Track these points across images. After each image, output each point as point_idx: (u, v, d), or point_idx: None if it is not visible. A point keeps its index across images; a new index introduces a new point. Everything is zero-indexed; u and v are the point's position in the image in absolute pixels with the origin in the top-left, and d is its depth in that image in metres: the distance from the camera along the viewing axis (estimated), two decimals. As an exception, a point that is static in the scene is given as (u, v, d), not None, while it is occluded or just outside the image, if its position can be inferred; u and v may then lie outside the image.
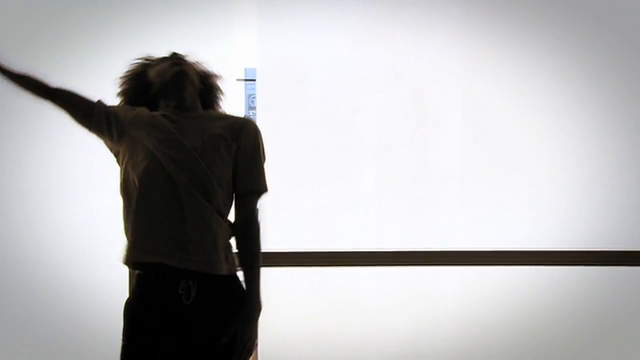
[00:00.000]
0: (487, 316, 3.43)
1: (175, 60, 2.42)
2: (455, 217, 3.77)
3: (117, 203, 3.67)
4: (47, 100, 2.36)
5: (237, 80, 3.91)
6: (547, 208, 3.70)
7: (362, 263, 3.30)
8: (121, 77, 2.53)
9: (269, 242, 3.72)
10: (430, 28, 3.79)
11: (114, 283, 3.39)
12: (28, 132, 3.59)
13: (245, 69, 4.85)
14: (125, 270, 2.97)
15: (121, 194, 2.33)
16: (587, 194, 3.69)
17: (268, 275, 3.76)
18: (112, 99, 2.48)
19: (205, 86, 2.47)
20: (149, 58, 2.52)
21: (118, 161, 2.38)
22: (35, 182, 3.57)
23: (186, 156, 2.22)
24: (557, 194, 3.60)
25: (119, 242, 3.54)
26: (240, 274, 2.32)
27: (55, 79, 3.56)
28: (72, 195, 3.62)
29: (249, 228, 2.34)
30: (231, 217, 2.33)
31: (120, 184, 2.33)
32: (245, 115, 2.54)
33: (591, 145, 3.76)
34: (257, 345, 2.33)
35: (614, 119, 3.72)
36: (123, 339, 2.25)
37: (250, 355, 2.25)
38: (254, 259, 2.33)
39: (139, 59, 2.53)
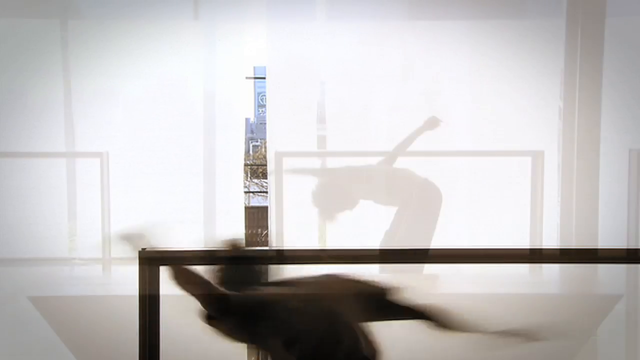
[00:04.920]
0: (499, 314, 3.41)
1: None
2: (465, 214, 3.77)
3: (127, 201, 3.69)
4: None
5: (247, 78, 3.92)
6: (553, 206, 3.68)
7: (371, 261, 3.28)
8: None
9: (282, 241, 3.73)
10: (441, 27, 3.78)
11: (125, 280, 3.39)
12: (36, 129, 3.60)
13: (254, 67, 4.85)
14: (135, 267, 2.96)
15: None
16: (601, 190, 3.68)
17: (281, 273, 3.77)
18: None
19: None
20: None
21: None
22: (45, 179, 3.58)
23: None
24: (569, 189, 3.59)
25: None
26: None
27: (61, 77, 3.59)
28: (82, 192, 3.63)
29: None
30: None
31: None
32: None
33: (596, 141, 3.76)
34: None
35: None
36: None
37: None
38: None
39: None
